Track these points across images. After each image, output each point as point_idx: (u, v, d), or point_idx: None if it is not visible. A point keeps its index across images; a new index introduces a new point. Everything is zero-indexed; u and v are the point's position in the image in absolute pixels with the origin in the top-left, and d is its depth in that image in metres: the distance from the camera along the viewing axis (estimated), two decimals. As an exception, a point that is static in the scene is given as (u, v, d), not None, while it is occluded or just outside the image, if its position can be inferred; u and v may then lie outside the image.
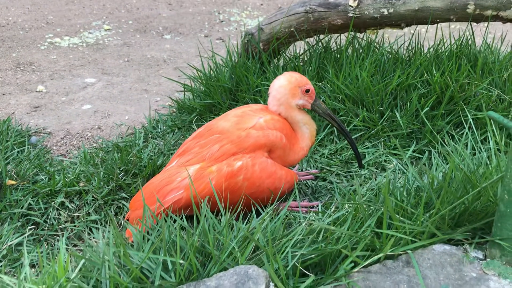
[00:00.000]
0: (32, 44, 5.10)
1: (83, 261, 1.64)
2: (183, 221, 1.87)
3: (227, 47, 3.24)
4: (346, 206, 1.86)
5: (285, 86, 2.14)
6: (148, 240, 1.73)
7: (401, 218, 1.72)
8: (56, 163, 2.70)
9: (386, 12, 2.84)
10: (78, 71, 4.36)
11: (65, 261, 1.59)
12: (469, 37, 2.90)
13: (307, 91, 2.17)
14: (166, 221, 1.77)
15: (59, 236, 2.22)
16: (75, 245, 2.18)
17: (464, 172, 1.76)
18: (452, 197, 1.73)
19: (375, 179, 2.44)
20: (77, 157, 2.78)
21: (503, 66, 2.75)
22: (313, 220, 1.97)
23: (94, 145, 3.05)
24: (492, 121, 1.89)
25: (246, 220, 1.98)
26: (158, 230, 1.77)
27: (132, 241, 1.93)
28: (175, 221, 1.85)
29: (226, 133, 2.08)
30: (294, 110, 2.18)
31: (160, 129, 3.05)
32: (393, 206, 1.81)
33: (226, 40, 5.31)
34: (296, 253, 1.68)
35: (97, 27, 5.84)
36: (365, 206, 1.80)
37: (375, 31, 3.02)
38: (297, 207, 2.19)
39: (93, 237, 2.18)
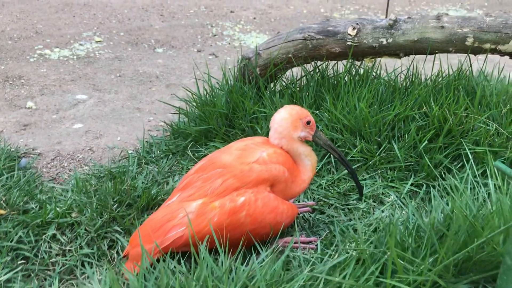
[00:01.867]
0: (21, 56, 5.00)
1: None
2: (182, 261, 1.83)
3: (222, 70, 3.20)
4: (350, 251, 1.82)
5: (286, 119, 2.13)
6: (146, 286, 1.68)
7: (404, 264, 1.70)
8: (47, 190, 2.63)
9: (385, 42, 2.83)
10: (69, 86, 4.28)
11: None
12: (467, 69, 2.90)
13: (308, 122, 2.16)
14: (164, 267, 1.72)
15: (50, 271, 2.15)
16: (66, 281, 2.11)
17: (468, 219, 1.74)
18: (456, 245, 1.71)
19: (373, 213, 2.42)
20: (68, 183, 2.71)
21: (501, 99, 2.75)
22: (312, 261, 1.93)
23: (86, 168, 2.98)
24: (496, 170, 1.87)
25: (245, 259, 1.94)
26: (157, 275, 1.72)
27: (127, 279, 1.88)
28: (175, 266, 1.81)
29: (229, 167, 2.05)
30: (296, 143, 2.16)
31: (154, 153, 3.00)
32: (398, 250, 1.79)
33: (219, 55, 5.27)
34: (298, 301, 1.65)
35: (88, 38, 5.76)
36: (368, 252, 1.77)
37: (373, 59, 3.01)
38: (296, 243, 2.15)
39: (85, 273, 2.12)
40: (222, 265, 1.77)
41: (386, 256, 1.73)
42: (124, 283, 1.90)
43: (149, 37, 5.94)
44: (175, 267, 1.74)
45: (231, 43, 5.78)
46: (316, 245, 2.16)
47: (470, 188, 2.25)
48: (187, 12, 7.14)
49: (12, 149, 3.11)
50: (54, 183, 2.77)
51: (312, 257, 2.01)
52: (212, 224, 1.92)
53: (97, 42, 5.60)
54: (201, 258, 1.71)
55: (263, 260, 1.89)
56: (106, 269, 1.98)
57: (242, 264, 1.92)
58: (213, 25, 6.53)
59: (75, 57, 5.10)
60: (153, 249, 1.90)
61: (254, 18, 6.90)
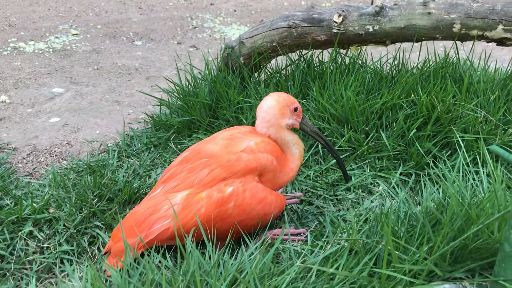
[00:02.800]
0: (-7, 49, 4.83)
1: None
2: (168, 256, 1.75)
3: (205, 59, 3.10)
4: (342, 241, 1.75)
5: (274, 106, 2.05)
6: (130, 283, 1.58)
7: (399, 254, 1.64)
8: (23, 185, 2.51)
9: (371, 29, 2.77)
10: (45, 79, 4.13)
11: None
12: (454, 56, 2.86)
13: (296, 109, 2.09)
14: (149, 262, 1.63)
15: (27, 270, 2.03)
16: (44, 279, 2.00)
17: (464, 206, 1.69)
18: (452, 233, 1.66)
19: (363, 203, 2.36)
20: (45, 178, 2.59)
21: (488, 86, 2.72)
22: (302, 253, 1.86)
23: (64, 162, 2.86)
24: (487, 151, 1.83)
25: (233, 252, 1.87)
26: (141, 270, 1.62)
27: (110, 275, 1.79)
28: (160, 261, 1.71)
29: (215, 156, 1.96)
30: (284, 131, 2.09)
31: (135, 146, 2.89)
32: (393, 240, 1.73)
33: (200, 47, 5.16)
34: (291, 294, 1.58)
35: (64, 31, 5.59)
36: (361, 241, 1.71)
37: (359, 47, 2.95)
38: (286, 235, 2.08)
39: (65, 271, 2.01)
40: (210, 259, 1.69)
41: (380, 246, 1.67)
42: (106, 280, 1.80)
43: (127, 30, 5.80)
44: (160, 262, 1.65)
45: (211, 35, 5.68)
46: (306, 237, 2.09)
47: (462, 176, 2.21)
48: (166, 5, 7.00)
49: (-15, 144, 2.97)
50: (31, 179, 2.65)
51: (303, 249, 1.94)
52: (199, 216, 1.84)
53: (73, 35, 5.44)
54: (187, 252, 1.62)
55: (252, 253, 1.81)
56: (87, 266, 1.88)
57: (230, 258, 1.85)
58: (193, 18, 6.41)
59: (51, 50, 4.93)
60: (136, 244, 1.81)
61: (235, 11, 6.79)
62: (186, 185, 1.92)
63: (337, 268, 1.67)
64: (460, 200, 1.76)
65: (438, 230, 1.74)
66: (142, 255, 1.86)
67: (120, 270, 1.68)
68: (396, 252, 1.63)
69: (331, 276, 1.62)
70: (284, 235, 2.09)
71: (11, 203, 2.31)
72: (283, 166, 2.11)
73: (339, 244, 1.84)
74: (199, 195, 1.88)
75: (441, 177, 2.34)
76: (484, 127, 2.56)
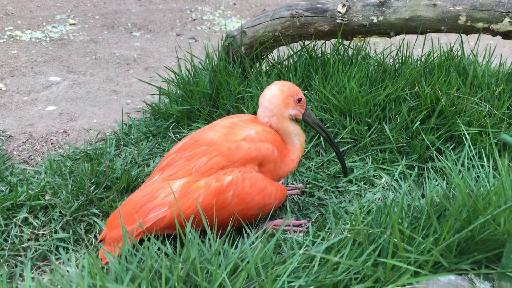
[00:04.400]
0: (-10, 37, 4.75)
1: (52, 294, 1.44)
2: (167, 243, 1.70)
3: (206, 49, 3.05)
4: (346, 231, 1.71)
5: (278, 95, 2.00)
6: (128, 269, 1.54)
7: (404, 245, 1.60)
8: (18, 172, 2.45)
9: (375, 20, 2.73)
10: (41, 68, 4.07)
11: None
12: (458, 49, 2.82)
13: (299, 100, 2.05)
14: (148, 247, 1.59)
15: (21, 257, 1.98)
16: (39, 267, 1.96)
17: (471, 196, 1.65)
18: (459, 224, 1.62)
19: (365, 195, 2.32)
20: (41, 165, 2.53)
21: (493, 79, 2.69)
22: (307, 245, 1.82)
23: (60, 151, 2.81)
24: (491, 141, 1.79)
25: (233, 242, 1.82)
26: (140, 257, 1.58)
27: (107, 262, 1.74)
28: (159, 247, 1.67)
29: (214, 144, 1.91)
30: (287, 121, 2.05)
31: (133, 135, 2.84)
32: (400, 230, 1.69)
33: (199, 40, 5.10)
34: (293, 283, 1.54)
35: (62, 21, 5.52)
36: (365, 231, 1.66)
37: (362, 39, 2.91)
38: (287, 226, 2.04)
39: (60, 258, 1.96)
40: (210, 247, 1.65)
41: (385, 236, 1.63)
42: (103, 268, 1.76)
43: (125, 20, 5.73)
44: (159, 249, 1.60)
45: (211, 27, 5.62)
46: (307, 228, 2.05)
47: (467, 169, 2.18)
48: (165, -3, 6.95)
49: (-21, 131, 2.91)
50: (26, 166, 2.59)
51: (305, 240, 1.90)
52: (197, 205, 1.79)
53: (71, 24, 5.37)
54: (187, 239, 1.58)
55: (253, 242, 1.77)
56: (84, 253, 1.83)
57: (231, 247, 1.80)
58: (192, 10, 6.35)
59: (48, 39, 4.86)
60: (134, 231, 1.76)
61: (234, 4, 6.74)
62: (184, 173, 1.88)
63: (340, 258, 1.62)
64: (467, 191, 1.72)
65: (443, 221, 1.70)
66: (140, 242, 1.81)
67: (118, 256, 1.63)
68: (402, 244, 1.60)
69: (335, 266, 1.58)
70: (286, 225, 2.05)
71: (6, 189, 2.25)
72: (284, 156, 2.07)
73: (342, 234, 1.80)
74: (197, 184, 1.84)
75: (444, 170, 2.31)
76: (488, 120, 2.52)
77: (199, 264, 1.50)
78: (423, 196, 2.28)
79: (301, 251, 1.62)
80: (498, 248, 1.62)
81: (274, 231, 2.00)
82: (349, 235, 1.75)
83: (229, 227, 1.79)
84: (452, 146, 2.53)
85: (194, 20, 5.92)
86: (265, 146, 1.95)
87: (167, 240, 1.88)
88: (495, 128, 2.50)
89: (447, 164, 2.22)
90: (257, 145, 1.94)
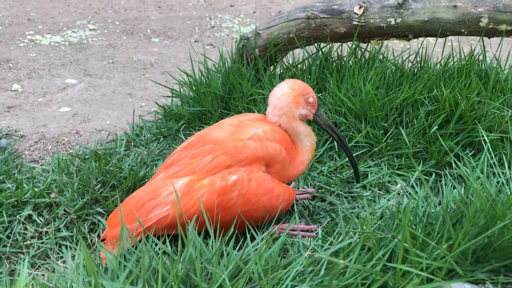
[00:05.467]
0: (10, 41, 4.81)
1: (46, 290, 1.39)
2: (167, 242, 1.64)
3: (220, 51, 3.02)
4: (355, 235, 1.63)
5: (288, 94, 1.94)
6: (125, 267, 1.48)
7: (416, 251, 1.51)
8: (26, 170, 2.43)
9: (393, 22, 2.65)
10: (58, 71, 4.09)
11: (25, 289, 1.35)
12: (480, 52, 2.72)
13: (311, 99, 1.97)
14: (146, 244, 1.53)
15: (23, 254, 1.95)
16: (41, 265, 1.92)
17: (489, 201, 1.55)
18: (475, 229, 1.52)
19: (379, 201, 2.23)
20: (50, 164, 2.51)
21: (516, 84, 2.58)
22: (314, 249, 1.74)
23: (71, 151, 2.79)
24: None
25: (238, 245, 1.75)
26: (138, 255, 1.52)
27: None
28: (157, 244, 1.61)
29: (220, 143, 1.86)
30: (297, 121, 1.98)
31: (144, 136, 2.80)
32: (413, 233, 1.61)
33: (217, 46, 5.09)
34: (297, 287, 1.46)
35: (82, 26, 5.57)
36: (375, 236, 1.58)
37: (380, 41, 2.83)
38: (295, 231, 1.96)
39: (62, 257, 1.92)
40: (212, 247, 1.58)
41: (396, 240, 1.54)
42: (101, 266, 1.70)
43: (145, 27, 5.76)
44: (159, 248, 1.54)
45: (229, 35, 5.60)
46: (317, 233, 1.97)
47: (487, 176, 2.07)
48: (186, 5, 6.97)
49: (-7, 130, 2.91)
50: (35, 165, 2.57)
51: (314, 245, 1.82)
52: (200, 205, 1.73)
53: (90, 30, 5.42)
54: (188, 239, 1.52)
55: (258, 244, 1.69)
56: (79, 248, 1.79)
57: (234, 249, 1.73)
58: (212, 18, 6.35)
59: (66, 43, 4.90)
60: (135, 229, 1.71)
61: (254, 12, 6.73)
62: (188, 171, 1.82)
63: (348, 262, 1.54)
64: (485, 195, 1.62)
65: (459, 227, 1.60)
66: (140, 241, 1.76)
67: (120, 256, 1.58)
68: (413, 248, 1.51)
69: (342, 270, 1.50)
70: (293, 230, 1.97)
71: (12, 186, 2.23)
72: (293, 158, 2.00)
73: (351, 238, 1.72)
74: (201, 182, 1.78)
75: (462, 177, 2.20)
76: (510, 126, 2.41)
77: (199, 264, 1.44)
78: (439, 203, 2.18)
79: (307, 254, 1.54)
80: (518, 256, 1.52)
81: (281, 234, 1.92)
82: (358, 239, 1.67)
83: (231, 228, 1.73)
84: (472, 153, 2.43)
85: (213, 27, 5.92)
86: (272, 145, 1.89)
87: (171, 240, 1.82)
88: (518, 134, 2.39)
89: (465, 171, 2.12)
90: (264, 144, 1.87)
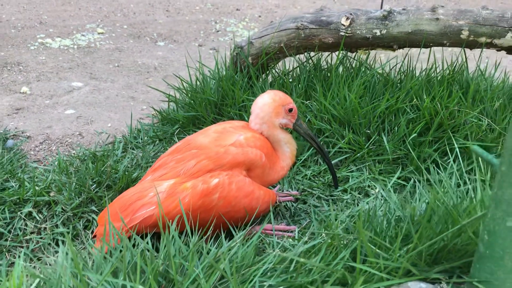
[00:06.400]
0: (22, 44, 5.01)
1: (37, 280, 1.54)
2: (153, 239, 1.79)
3: (215, 58, 3.16)
4: (323, 234, 1.77)
5: (269, 104, 2.09)
6: (109, 261, 1.63)
7: (377, 250, 1.64)
8: (30, 170, 2.61)
9: (378, 33, 2.77)
10: (66, 74, 4.28)
11: (19, 279, 1.50)
12: (461, 63, 2.83)
13: (290, 110, 2.12)
14: (130, 240, 1.68)
15: (23, 248, 2.12)
16: (39, 258, 2.08)
17: (445, 207, 1.68)
18: (431, 233, 1.65)
19: (357, 205, 2.36)
20: (51, 164, 2.68)
21: (495, 94, 2.68)
22: (287, 248, 1.88)
23: (73, 152, 2.96)
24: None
25: (217, 243, 1.90)
26: (120, 251, 1.67)
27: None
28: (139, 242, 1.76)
29: (204, 148, 2.01)
30: (277, 129, 2.12)
31: (141, 139, 2.96)
32: (371, 236, 1.74)
33: (220, 50, 5.24)
34: (264, 283, 1.60)
35: (91, 29, 5.77)
36: (340, 236, 1.71)
37: (367, 51, 2.95)
38: (271, 230, 2.10)
39: (57, 251, 2.08)
40: (189, 246, 1.73)
41: (358, 241, 1.67)
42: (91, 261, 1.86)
43: (152, 30, 5.94)
44: (141, 245, 1.69)
45: (233, 39, 5.75)
46: (295, 234, 2.10)
47: (458, 183, 2.19)
48: (193, 8, 7.13)
49: (1, 131, 3.09)
50: (39, 165, 2.75)
51: (290, 244, 1.96)
52: (183, 205, 1.88)
53: (99, 33, 5.60)
54: (168, 237, 1.66)
55: (235, 242, 1.84)
56: (64, 243, 1.95)
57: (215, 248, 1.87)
58: (217, 22, 6.51)
59: (75, 46, 5.09)
60: (121, 228, 1.86)
61: (259, 16, 6.87)
62: (173, 174, 1.97)
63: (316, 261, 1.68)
64: (446, 202, 1.75)
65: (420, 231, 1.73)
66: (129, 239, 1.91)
67: (106, 252, 1.73)
68: (373, 248, 1.64)
69: (310, 268, 1.63)
70: (270, 229, 2.11)
71: (16, 185, 2.40)
72: (273, 163, 2.14)
73: (323, 240, 1.85)
74: (184, 185, 1.92)
75: (434, 182, 2.32)
76: (488, 135, 2.52)
77: (176, 260, 1.59)
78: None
79: (275, 252, 1.68)
80: (471, 257, 1.64)
81: (261, 235, 2.06)
82: (326, 239, 1.80)
83: (211, 228, 1.87)
84: (449, 160, 2.54)
85: (218, 31, 6.07)
86: (253, 151, 2.03)
87: (158, 237, 1.97)
88: (494, 142, 2.50)
89: (439, 178, 2.24)
90: (245, 150, 2.01)
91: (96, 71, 4.42)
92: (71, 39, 5.33)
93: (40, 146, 3.07)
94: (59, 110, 3.56)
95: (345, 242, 1.73)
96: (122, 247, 1.66)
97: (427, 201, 2.09)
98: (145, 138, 2.96)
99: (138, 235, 1.88)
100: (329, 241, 1.77)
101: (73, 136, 3.19)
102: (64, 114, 3.50)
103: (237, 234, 1.92)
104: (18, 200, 2.26)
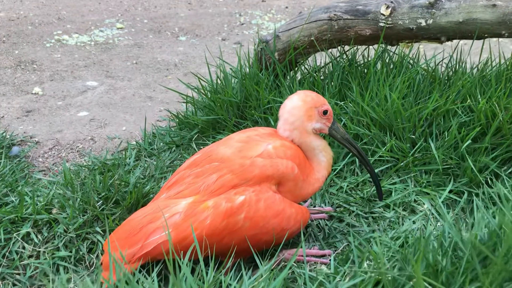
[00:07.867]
0: (38, 41, 4.81)
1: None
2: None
3: (237, 54, 2.85)
4: (368, 272, 1.45)
5: (299, 107, 1.78)
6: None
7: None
8: (33, 182, 2.36)
9: (424, 23, 2.42)
10: (81, 72, 4.04)
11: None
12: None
13: (325, 112, 1.81)
14: (134, 274, 1.40)
15: (19, 275, 1.86)
16: (38, 287, 1.83)
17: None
18: (504, 273, 1.31)
19: (402, 224, 2.03)
20: (56, 175, 2.43)
21: None
22: (322, 283, 1.57)
23: (85, 158, 2.71)
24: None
25: (238, 277, 1.60)
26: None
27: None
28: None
29: (227, 161, 1.71)
30: (310, 135, 1.81)
31: (156, 146, 2.68)
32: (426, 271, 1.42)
33: (244, 44, 4.93)
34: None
35: (110, 25, 5.53)
36: (389, 277, 1.39)
37: (410, 44, 2.60)
38: (301, 256, 1.79)
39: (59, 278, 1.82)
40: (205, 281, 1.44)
41: (411, 283, 1.35)
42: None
43: (173, 25, 5.66)
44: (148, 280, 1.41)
45: (258, 32, 5.43)
46: (330, 260, 1.79)
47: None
48: (216, 0, 6.83)
49: (7, 136, 2.86)
50: (44, 175, 2.50)
51: (324, 277, 1.65)
52: (204, 228, 1.59)
53: (118, 28, 5.37)
54: (181, 272, 1.38)
55: (262, 276, 1.53)
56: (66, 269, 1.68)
57: (236, 281, 1.58)
58: (242, 14, 6.19)
59: (92, 43, 4.86)
60: (134, 254, 1.59)
61: (286, 7, 6.52)
62: (191, 191, 1.68)
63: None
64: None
65: (487, 266, 1.40)
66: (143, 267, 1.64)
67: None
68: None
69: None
70: (302, 255, 1.80)
71: (16, 200, 2.15)
72: (307, 175, 1.82)
73: (365, 274, 1.53)
74: (204, 204, 1.64)
75: (498, 198, 1.97)
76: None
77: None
78: (472, 227, 1.96)
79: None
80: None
81: (286, 264, 1.75)
82: (372, 275, 1.49)
83: (233, 256, 1.58)
84: (510, 170, 2.18)
85: (242, 24, 5.76)
86: (283, 163, 1.73)
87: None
88: None
89: (501, 191, 1.88)
90: (274, 161, 1.71)
91: (113, 69, 4.16)
92: (89, 35, 5.10)
93: (49, 153, 2.83)
94: (71, 112, 3.31)
95: (395, 283, 1.41)
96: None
97: (489, 222, 1.74)
98: (161, 144, 2.68)
99: (152, 263, 1.61)
100: (375, 277, 1.45)
101: (85, 141, 2.94)
102: (77, 117, 3.25)
103: (261, 263, 1.62)
104: (16, 218, 2.01)
